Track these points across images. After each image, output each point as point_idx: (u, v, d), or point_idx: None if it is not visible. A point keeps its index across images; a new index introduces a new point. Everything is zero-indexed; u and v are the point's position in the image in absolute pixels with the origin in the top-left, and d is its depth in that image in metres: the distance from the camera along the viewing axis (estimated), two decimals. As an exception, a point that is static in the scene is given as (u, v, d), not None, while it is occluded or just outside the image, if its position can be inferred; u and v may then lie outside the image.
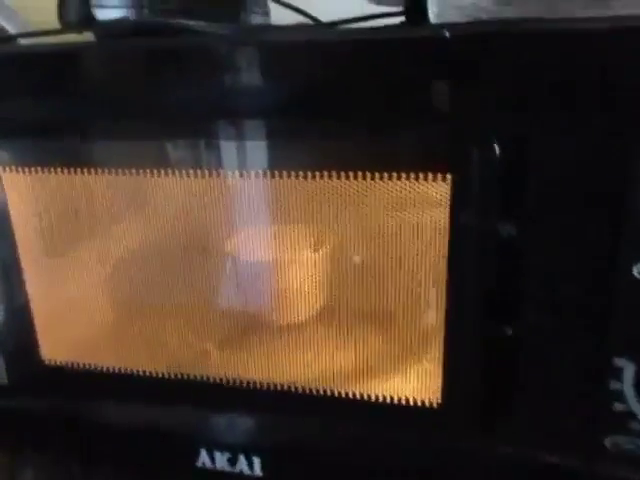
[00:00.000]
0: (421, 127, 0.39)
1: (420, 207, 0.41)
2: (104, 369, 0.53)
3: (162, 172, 0.45)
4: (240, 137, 0.43)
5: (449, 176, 0.39)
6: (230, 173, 0.45)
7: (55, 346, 0.55)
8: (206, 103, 0.42)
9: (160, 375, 0.52)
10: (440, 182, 0.39)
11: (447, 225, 0.40)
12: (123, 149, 0.46)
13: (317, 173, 0.42)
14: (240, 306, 0.52)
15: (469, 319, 0.42)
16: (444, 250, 0.41)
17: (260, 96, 0.41)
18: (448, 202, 0.39)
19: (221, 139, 0.44)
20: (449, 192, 0.39)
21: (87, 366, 0.54)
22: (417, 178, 0.40)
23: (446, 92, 0.38)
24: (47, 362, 0.55)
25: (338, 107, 0.40)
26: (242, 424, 0.53)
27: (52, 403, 0.57)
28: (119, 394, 0.54)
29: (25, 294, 0.53)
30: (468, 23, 0.41)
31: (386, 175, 0.40)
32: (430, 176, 0.39)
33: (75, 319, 0.55)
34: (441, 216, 0.40)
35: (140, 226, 0.50)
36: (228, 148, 0.44)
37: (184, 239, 0.50)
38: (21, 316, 0.53)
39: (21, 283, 0.53)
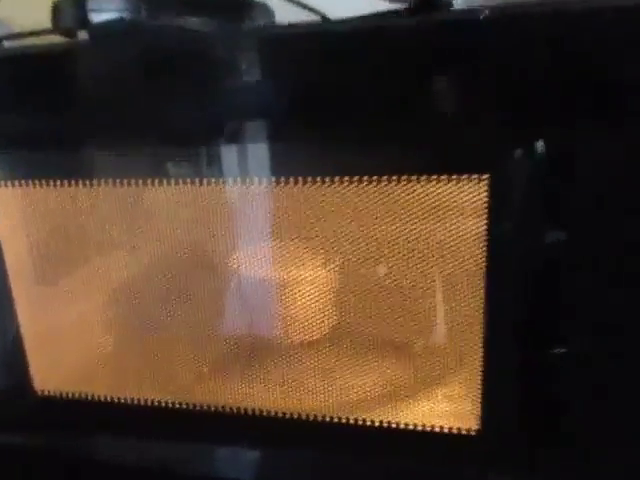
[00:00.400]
0: (452, 122, 0.35)
1: (452, 214, 0.37)
2: (102, 399, 0.49)
3: (160, 183, 0.41)
4: (244, 141, 0.39)
5: (485, 176, 0.35)
6: (234, 182, 0.41)
7: (49, 376, 0.50)
8: (205, 107, 0.38)
9: (162, 405, 0.47)
10: (475, 183, 0.35)
11: (484, 233, 0.36)
12: (119, 159, 0.42)
13: (328, 179, 0.38)
14: (247, 328, 0.47)
15: (511, 339, 0.38)
16: (481, 262, 0.37)
17: (263, 98, 0.37)
18: (485, 206, 0.35)
19: (225, 145, 0.40)
20: (486, 194, 0.35)
21: (83, 397, 0.49)
22: (449, 180, 0.35)
23: (480, 83, 0.34)
24: (40, 393, 0.50)
25: (351, 104, 0.36)
26: (251, 459, 0.48)
27: (46, 437, 0.52)
28: (118, 427, 0.50)
29: (16, 321, 0.49)
30: (503, 6, 0.36)
31: (413, 178, 0.36)
32: (464, 177, 0.35)
33: (70, 347, 0.51)
34: (477, 223, 0.36)
35: (138, 245, 0.46)
36: (231, 155, 0.40)
37: (186, 258, 0.45)
38: (11, 345, 0.49)
39: (12, 311, 0.48)
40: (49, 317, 0.50)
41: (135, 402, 0.48)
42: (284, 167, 0.39)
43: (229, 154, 0.40)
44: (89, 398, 0.49)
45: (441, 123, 0.35)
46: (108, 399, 0.49)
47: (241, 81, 0.37)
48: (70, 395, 0.50)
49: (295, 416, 0.45)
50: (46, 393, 0.50)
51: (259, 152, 0.39)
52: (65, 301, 0.50)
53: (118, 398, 0.48)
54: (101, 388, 0.49)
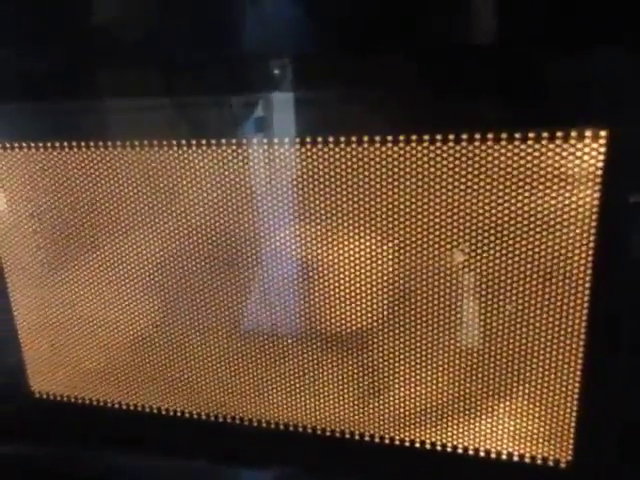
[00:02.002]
0: (561, 65, 0.27)
1: (555, 182, 0.29)
2: (110, 406, 0.42)
3: (188, 143, 0.34)
4: (290, 88, 0.31)
5: (603, 133, 0.27)
6: (271, 141, 0.33)
7: (49, 377, 0.44)
8: (237, 41, 0.31)
9: (178, 414, 0.40)
10: (589, 142, 0.27)
11: (597, 207, 0.28)
12: (137, 113, 0.35)
13: (399, 138, 0.30)
14: (283, 323, 0.39)
15: (622, 343, 0.29)
16: (588, 245, 0.29)
17: (315, 23, 0.30)
18: (599, 172, 0.27)
19: (270, 91, 0.32)
20: (602, 157, 0.27)
21: (88, 402, 0.42)
22: (553, 137, 0.27)
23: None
24: (37, 395, 0.43)
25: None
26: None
27: (41, 444, 0.45)
28: (125, 438, 0.42)
29: (9, 312, 0.42)
30: None
31: (504, 137, 0.28)
32: (574, 134, 0.27)
33: (75, 343, 0.43)
34: (587, 194, 0.28)
35: (159, 225, 0.39)
36: (273, 105, 0.32)
37: (215, 243, 0.38)
38: (5, 340, 0.43)
39: (6, 302, 0.42)
40: (50, 310, 0.43)
41: (149, 411, 0.41)
42: (341, 122, 0.31)
43: (271, 103, 0.32)
44: (94, 403, 0.43)
45: (541, 62, 0.27)
46: (117, 406, 0.42)
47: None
48: (73, 399, 0.43)
49: (332, 434, 0.37)
50: (44, 396, 0.44)
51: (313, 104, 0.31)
52: (72, 291, 0.43)
53: (128, 405, 0.42)
54: (109, 393, 0.42)
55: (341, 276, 0.35)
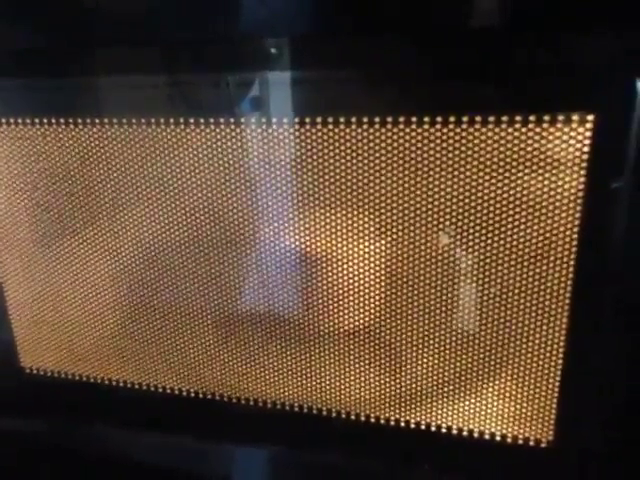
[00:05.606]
0: (548, 49, 0.27)
1: (540, 166, 0.29)
2: (99, 382, 0.42)
3: (178, 121, 0.34)
4: (286, 67, 0.31)
5: (590, 117, 0.27)
6: (268, 122, 0.33)
7: (39, 352, 0.44)
8: (235, 20, 0.31)
9: (175, 393, 0.40)
10: (575, 126, 0.27)
11: (582, 191, 0.28)
12: (131, 90, 0.35)
13: (387, 119, 0.30)
14: (275, 311, 0.39)
15: (605, 326, 0.30)
16: (573, 228, 0.29)
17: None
18: (585, 157, 0.27)
19: (263, 70, 0.32)
20: (588, 141, 0.27)
21: (78, 378, 0.43)
22: (538, 122, 0.28)
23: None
24: (28, 371, 0.44)
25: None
26: (273, 461, 0.42)
27: (31, 420, 0.46)
28: (114, 415, 0.43)
29: None
30: None
31: (491, 120, 0.28)
32: (560, 117, 0.27)
33: (65, 320, 0.44)
34: (573, 178, 0.28)
35: (152, 203, 0.38)
36: (270, 84, 0.32)
37: (206, 223, 0.38)
38: None
39: None
40: (42, 284, 0.43)
41: (139, 388, 0.41)
42: (334, 103, 0.31)
43: (268, 82, 0.32)
44: (84, 379, 0.43)
45: (528, 45, 0.27)
46: (107, 382, 0.42)
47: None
48: (63, 375, 0.44)
49: (324, 413, 0.37)
50: (34, 371, 0.44)
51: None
52: (64, 267, 0.43)
53: (118, 381, 0.42)
54: (100, 369, 0.43)
55: (335, 259, 0.35)
